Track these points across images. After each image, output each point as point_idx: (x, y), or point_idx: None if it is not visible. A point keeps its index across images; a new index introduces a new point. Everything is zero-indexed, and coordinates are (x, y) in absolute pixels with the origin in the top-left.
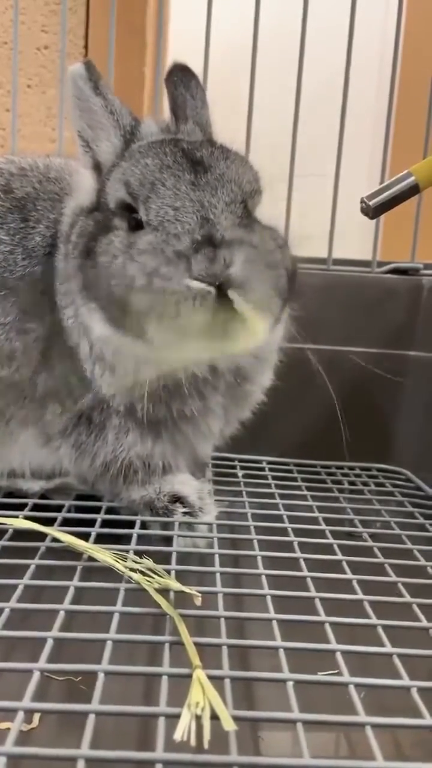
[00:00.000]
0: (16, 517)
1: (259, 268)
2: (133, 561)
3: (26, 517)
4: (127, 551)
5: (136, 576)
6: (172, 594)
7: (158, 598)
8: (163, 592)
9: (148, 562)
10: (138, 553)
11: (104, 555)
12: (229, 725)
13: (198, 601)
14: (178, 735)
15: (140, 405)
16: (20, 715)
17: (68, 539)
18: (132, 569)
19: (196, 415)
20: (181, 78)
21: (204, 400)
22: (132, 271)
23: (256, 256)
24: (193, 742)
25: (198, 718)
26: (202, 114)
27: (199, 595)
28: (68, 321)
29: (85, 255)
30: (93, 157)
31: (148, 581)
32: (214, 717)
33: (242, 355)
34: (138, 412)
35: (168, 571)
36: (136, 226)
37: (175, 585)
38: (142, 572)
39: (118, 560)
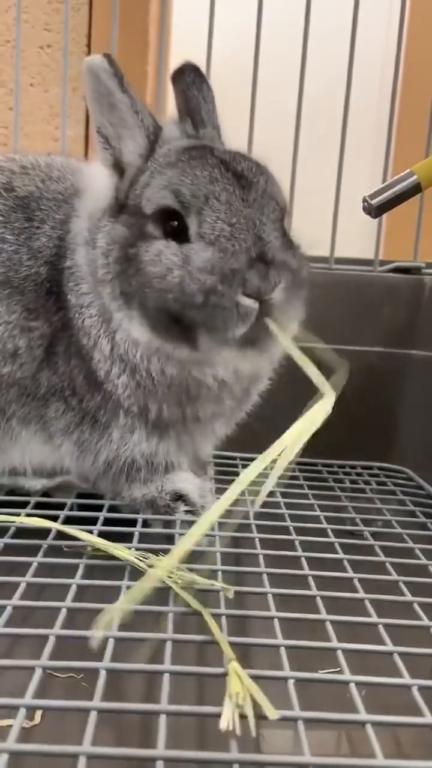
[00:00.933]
0: (18, 515)
1: (294, 293)
2: (149, 558)
3: (28, 515)
4: (129, 549)
5: (158, 573)
6: (172, 591)
7: (185, 596)
8: (166, 589)
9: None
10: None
11: (125, 553)
12: (272, 714)
13: (229, 594)
14: (223, 725)
15: (155, 406)
16: (22, 711)
17: (88, 537)
18: (149, 566)
19: (209, 418)
20: (194, 79)
21: (220, 404)
22: (191, 289)
23: (292, 281)
24: (238, 731)
25: (238, 708)
26: (215, 118)
27: (231, 588)
28: (83, 321)
29: (123, 262)
30: (114, 155)
31: (170, 578)
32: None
33: (263, 361)
34: (152, 413)
35: None
36: (176, 233)
37: (201, 581)
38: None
39: (140, 558)
